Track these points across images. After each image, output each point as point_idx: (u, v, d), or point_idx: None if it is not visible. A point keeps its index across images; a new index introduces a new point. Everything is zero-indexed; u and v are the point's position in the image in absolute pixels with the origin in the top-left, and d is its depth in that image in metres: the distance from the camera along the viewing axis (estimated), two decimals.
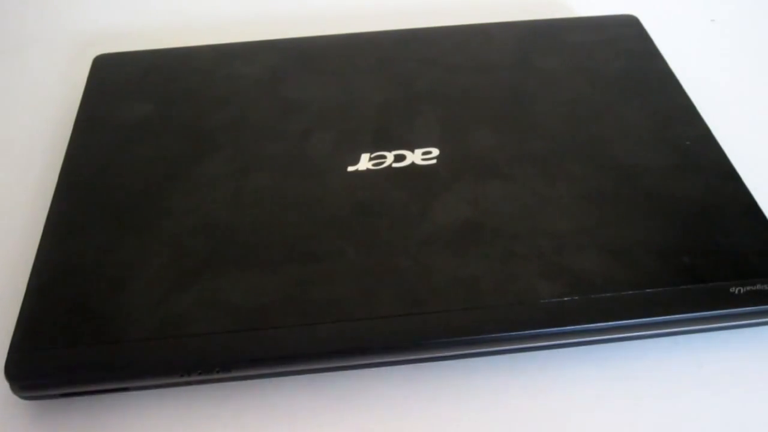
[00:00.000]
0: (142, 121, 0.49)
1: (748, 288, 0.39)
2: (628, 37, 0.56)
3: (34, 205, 0.48)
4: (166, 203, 0.44)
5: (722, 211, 0.43)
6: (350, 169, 0.46)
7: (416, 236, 0.42)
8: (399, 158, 0.46)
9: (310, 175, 0.45)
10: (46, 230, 0.43)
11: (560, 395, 0.40)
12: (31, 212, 0.47)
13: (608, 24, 0.58)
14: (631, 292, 0.39)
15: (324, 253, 0.41)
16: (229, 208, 0.44)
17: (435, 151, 0.47)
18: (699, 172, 0.46)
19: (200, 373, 0.38)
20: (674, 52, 0.55)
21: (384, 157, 0.46)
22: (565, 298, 0.39)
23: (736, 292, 0.39)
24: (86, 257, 0.41)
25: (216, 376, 0.38)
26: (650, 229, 0.42)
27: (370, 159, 0.46)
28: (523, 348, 0.40)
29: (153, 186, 0.45)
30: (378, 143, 0.47)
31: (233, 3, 0.67)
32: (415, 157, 0.46)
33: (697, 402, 0.39)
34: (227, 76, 0.53)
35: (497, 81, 0.52)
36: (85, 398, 0.39)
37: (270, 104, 0.51)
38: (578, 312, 0.39)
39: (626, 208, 0.44)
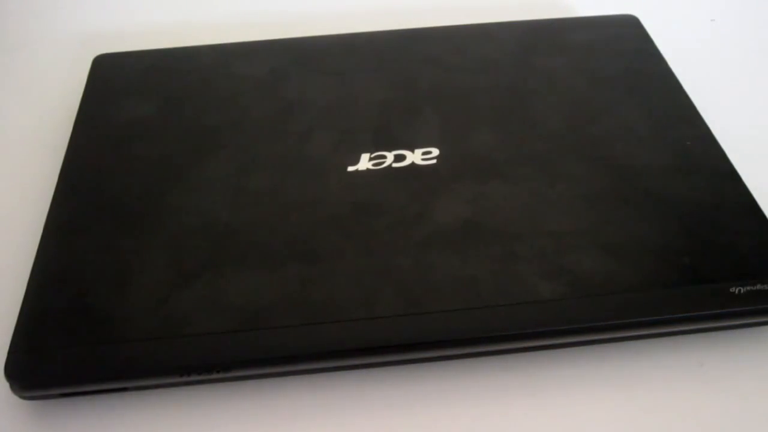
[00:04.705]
0: (141, 121, 0.49)
1: (748, 288, 0.39)
2: (628, 37, 0.56)
3: (34, 205, 0.48)
4: (166, 203, 0.44)
5: (722, 211, 0.43)
6: (350, 169, 0.46)
7: (416, 236, 0.42)
8: (399, 158, 0.46)
9: (310, 175, 0.45)
10: (46, 230, 0.43)
11: (560, 395, 0.40)
12: (31, 212, 0.47)
13: (608, 24, 0.57)
14: (631, 292, 0.39)
15: (324, 253, 0.41)
16: (229, 208, 0.44)
17: (435, 151, 0.47)
18: (699, 172, 0.46)
19: (200, 373, 0.38)
20: (674, 52, 0.55)
21: (384, 157, 0.46)
22: (566, 298, 0.39)
23: (736, 292, 0.39)
24: (86, 257, 0.41)
25: (216, 376, 0.38)
26: (650, 229, 0.42)
27: (370, 159, 0.46)
28: (523, 348, 0.40)
29: (153, 186, 0.45)
30: (378, 143, 0.47)
31: (233, 3, 0.67)
32: (415, 157, 0.46)
33: (697, 402, 0.39)
34: (227, 76, 0.53)
35: (497, 81, 0.52)
36: (85, 398, 0.39)
37: (270, 104, 0.51)
38: (578, 312, 0.39)
39: (626, 208, 0.44)
